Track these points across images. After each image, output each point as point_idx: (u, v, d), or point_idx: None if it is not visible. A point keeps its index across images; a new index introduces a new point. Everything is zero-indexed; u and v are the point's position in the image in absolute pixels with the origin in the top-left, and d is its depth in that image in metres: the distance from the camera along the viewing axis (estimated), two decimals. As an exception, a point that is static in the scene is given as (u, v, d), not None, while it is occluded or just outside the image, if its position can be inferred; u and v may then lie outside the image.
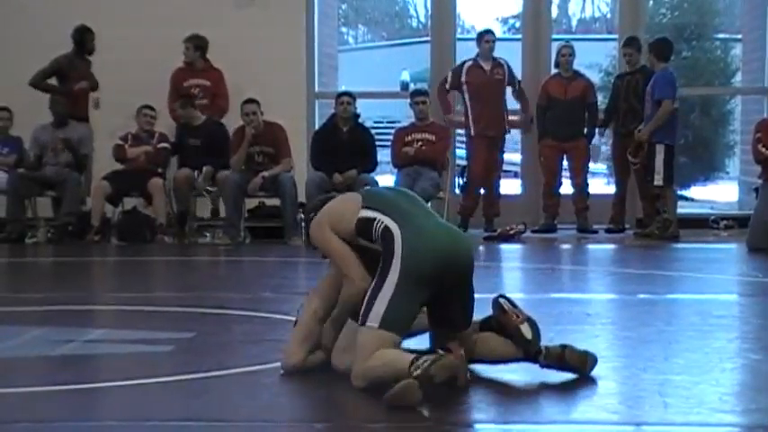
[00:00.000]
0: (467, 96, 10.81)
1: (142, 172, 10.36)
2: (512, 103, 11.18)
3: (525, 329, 4.13)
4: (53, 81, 10.78)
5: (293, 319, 4.42)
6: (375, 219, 4.10)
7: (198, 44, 10.89)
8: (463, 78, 10.81)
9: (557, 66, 11.04)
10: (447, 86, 10.88)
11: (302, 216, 4.33)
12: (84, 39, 10.74)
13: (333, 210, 4.29)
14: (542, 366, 4.13)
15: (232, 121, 10.66)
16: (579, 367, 4.12)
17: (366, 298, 3.99)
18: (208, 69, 10.96)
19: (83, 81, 10.74)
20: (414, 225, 4.05)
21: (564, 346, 4.14)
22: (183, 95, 10.66)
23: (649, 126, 10.09)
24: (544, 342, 4.17)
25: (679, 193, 11.72)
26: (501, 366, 4.19)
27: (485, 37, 10.97)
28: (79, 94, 10.75)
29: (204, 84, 10.90)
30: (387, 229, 4.04)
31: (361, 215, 4.14)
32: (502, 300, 4.23)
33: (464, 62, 11.00)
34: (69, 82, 10.71)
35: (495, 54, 10.96)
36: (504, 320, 4.16)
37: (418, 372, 3.68)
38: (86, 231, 10.25)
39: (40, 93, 10.62)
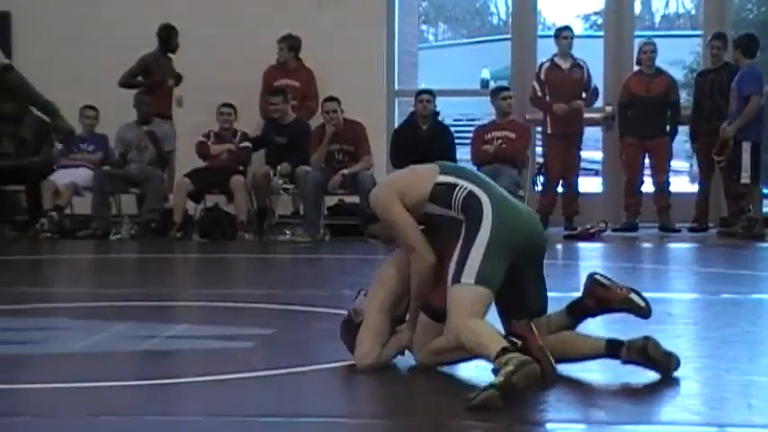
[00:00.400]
0: (546, 96, 10.76)
1: (224, 169, 10.46)
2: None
3: (636, 298, 4.09)
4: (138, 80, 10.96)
5: (346, 311, 4.35)
6: (457, 184, 4.04)
7: (292, 44, 11.00)
8: (543, 78, 10.78)
9: (639, 63, 10.92)
10: (539, 93, 10.83)
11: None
12: (169, 36, 10.88)
13: (402, 178, 4.22)
14: (624, 362, 4.03)
15: (313, 119, 10.72)
16: (661, 363, 4.00)
17: (456, 258, 3.93)
18: (299, 69, 11.05)
19: (169, 79, 10.88)
20: (497, 195, 4.04)
21: (647, 338, 4.02)
22: (281, 88, 10.72)
23: (736, 123, 9.94)
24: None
25: (765, 191, 11.52)
26: (578, 365, 4.14)
27: (562, 33, 10.94)
28: (164, 92, 10.88)
29: (294, 84, 10.98)
30: (471, 193, 4.01)
31: (440, 180, 4.08)
32: (599, 276, 4.16)
33: (541, 64, 10.97)
34: (154, 79, 10.85)
35: (578, 51, 10.90)
36: (609, 295, 4.10)
37: (501, 380, 3.60)
38: (169, 228, 10.39)
39: (125, 91, 10.78)
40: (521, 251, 3.97)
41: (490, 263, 3.89)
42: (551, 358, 3.88)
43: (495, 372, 3.67)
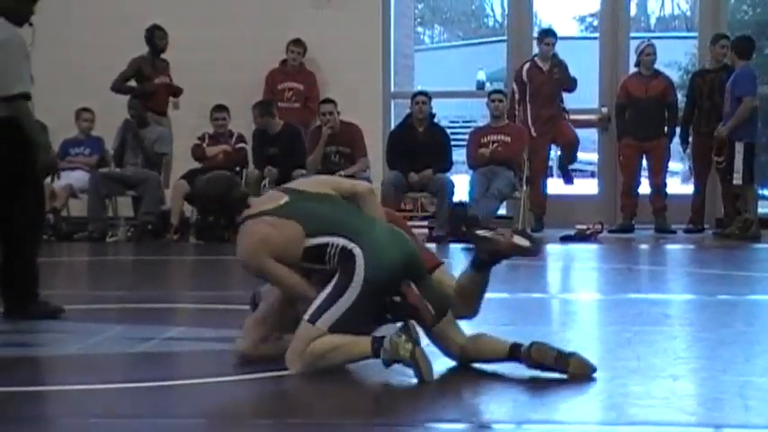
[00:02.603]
0: (527, 97, 10.79)
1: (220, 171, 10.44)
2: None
3: (519, 240, 4.16)
4: (131, 83, 10.90)
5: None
6: (327, 243, 4.18)
7: (305, 49, 10.99)
8: (524, 79, 10.80)
9: (637, 65, 10.92)
10: (518, 96, 10.84)
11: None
12: (154, 37, 10.80)
13: (272, 240, 4.24)
14: (528, 366, 4.08)
15: (314, 121, 10.73)
16: (553, 365, 4.04)
17: (322, 298, 4.14)
18: (302, 72, 11.05)
19: (162, 77, 10.80)
20: (366, 240, 4.15)
21: (533, 343, 4.07)
22: (265, 101, 10.71)
23: (729, 123, 9.96)
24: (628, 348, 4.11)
25: (760, 192, 11.54)
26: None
27: (545, 39, 10.94)
28: (159, 90, 10.82)
29: (297, 87, 10.99)
30: (344, 249, 4.15)
31: (309, 244, 4.20)
32: (479, 232, 4.23)
33: (522, 65, 10.98)
34: (150, 82, 10.79)
35: (573, 52, 10.92)
36: (496, 247, 4.15)
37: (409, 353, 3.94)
38: (166, 230, 10.38)
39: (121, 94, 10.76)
40: (399, 278, 4.13)
41: (348, 320, 4.10)
42: (430, 308, 4.10)
43: (387, 352, 3.99)
